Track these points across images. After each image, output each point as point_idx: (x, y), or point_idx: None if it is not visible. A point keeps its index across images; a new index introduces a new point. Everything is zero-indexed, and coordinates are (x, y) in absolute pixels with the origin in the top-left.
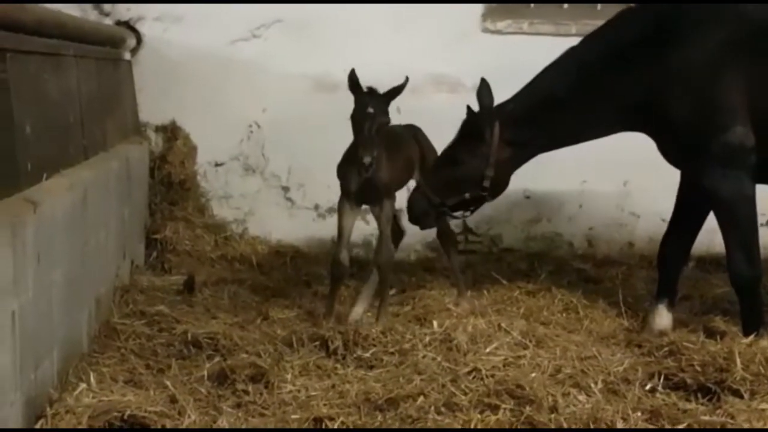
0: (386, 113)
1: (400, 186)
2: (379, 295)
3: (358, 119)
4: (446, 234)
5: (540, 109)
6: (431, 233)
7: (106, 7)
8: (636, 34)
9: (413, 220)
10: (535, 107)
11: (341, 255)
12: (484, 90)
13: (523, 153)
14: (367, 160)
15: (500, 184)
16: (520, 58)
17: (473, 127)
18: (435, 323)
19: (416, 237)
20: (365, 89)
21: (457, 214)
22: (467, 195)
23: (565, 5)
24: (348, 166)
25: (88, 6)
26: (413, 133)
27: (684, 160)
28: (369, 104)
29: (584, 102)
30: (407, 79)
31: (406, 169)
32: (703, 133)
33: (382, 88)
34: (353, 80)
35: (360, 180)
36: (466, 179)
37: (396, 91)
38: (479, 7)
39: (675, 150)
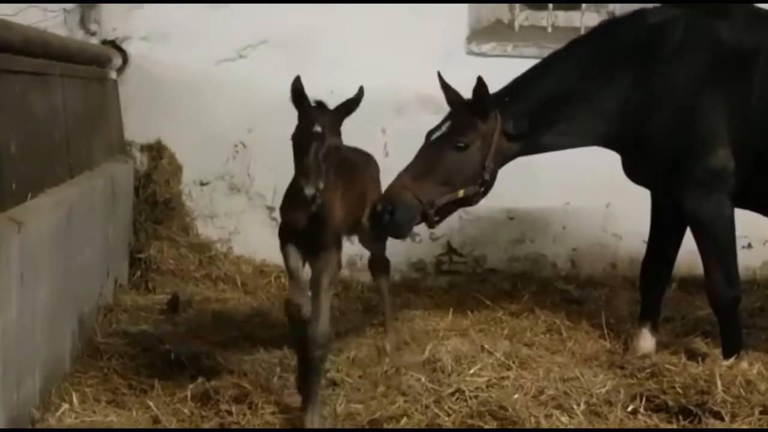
0: (338, 134)
1: (349, 231)
2: (307, 382)
3: (300, 140)
4: (381, 261)
5: (536, 102)
6: (417, 253)
7: (93, 26)
8: (622, 45)
9: (395, 225)
10: (531, 100)
11: (296, 298)
12: (482, 88)
13: (513, 149)
14: (309, 191)
15: (492, 181)
16: (504, 80)
17: (481, 104)
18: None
19: (401, 257)
20: (312, 102)
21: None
22: (461, 192)
23: (550, 29)
24: (290, 200)
25: (75, 25)
26: (367, 161)
27: (662, 182)
28: (316, 121)
29: (573, 104)
30: (362, 90)
31: (358, 207)
32: (685, 157)
33: (365, 108)
34: (297, 90)
35: (305, 218)
36: (464, 170)
37: (350, 106)
38: (464, 30)
39: (651, 171)
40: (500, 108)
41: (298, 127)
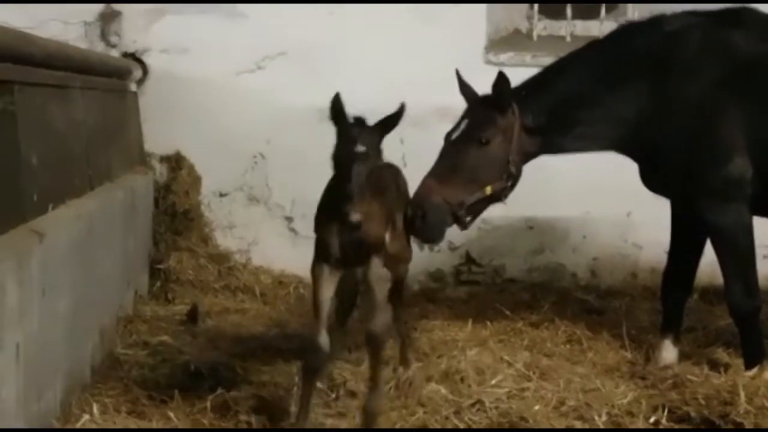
0: (379, 152)
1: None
2: (372, 379)
3: (343, 161)
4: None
5: (553, 100)
6: (435, 263)
7: (113, 39)
8: (639, 51)
9: (428, 229)
10: (548, 96)
11: (320, 338)
12: (503, 81)
13: (534, 144)
14: (355, 217)
15: (519, 174)
16: None
17: (500, 98)
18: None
19: (419, 267)
20: (352, 119)
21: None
22: (488, 189)
23: (568, 38)
24: (328, 219)
25: (95, 38)
26: (395, 174)
27: (679, 191)
28: (358, 141)
29: (589, 106)
30: (403, 106)
31: (389, 219)
32: (702, 166)
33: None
34: (337, 107)
35: (344, 239)
36: (489, 166)
37: (392, 122)
38: (482, 40)
39: (668, 180)
40: (518, 102)
41: (338, 147)
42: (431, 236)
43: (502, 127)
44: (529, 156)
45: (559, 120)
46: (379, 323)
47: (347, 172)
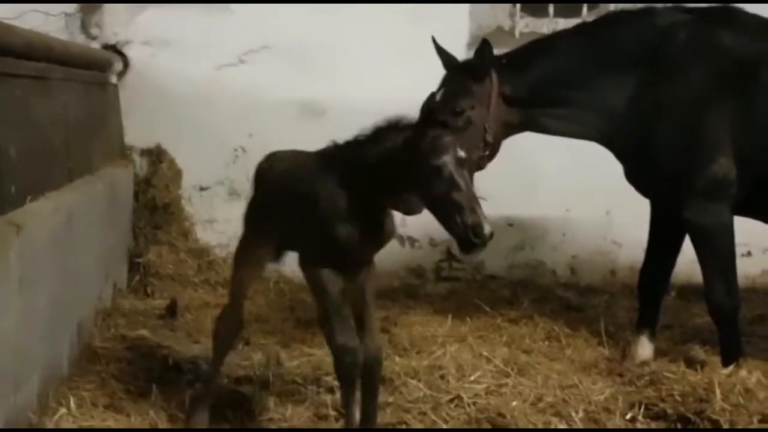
0: None
1: None
2: (369, 410)
3: (452, 170)
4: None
5: (535, 74)
6: (416, 258)
7: (94, 30)
8: (628, 42)
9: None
10: (530, 69)
11: (352, 342)
12: (486, 48)
13: (513, 116)
14: (488, 229)
15: (496, 145)
16: None
17: (482, 63)
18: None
19: (400, 263)
20: (437, 122)
21: None
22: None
23: None
24: (350, 224)
25: (76, 29)
26: None
27: (662, 190)
28: (459, 146)
29: (572, 89)
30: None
31: None
32: (687, 165)
33: (371, 113)
34: (432, 110)
35: (362, 247)
36: (465, 135)
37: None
38: (465, 37)
39: (652, 178)
40: (498, 70)
41: (436, 154)
42: (410, 208)
43: (478, 96)
44: (510, 128)
45: (541, 95)
46: (379, 343)
47: (459, 182)
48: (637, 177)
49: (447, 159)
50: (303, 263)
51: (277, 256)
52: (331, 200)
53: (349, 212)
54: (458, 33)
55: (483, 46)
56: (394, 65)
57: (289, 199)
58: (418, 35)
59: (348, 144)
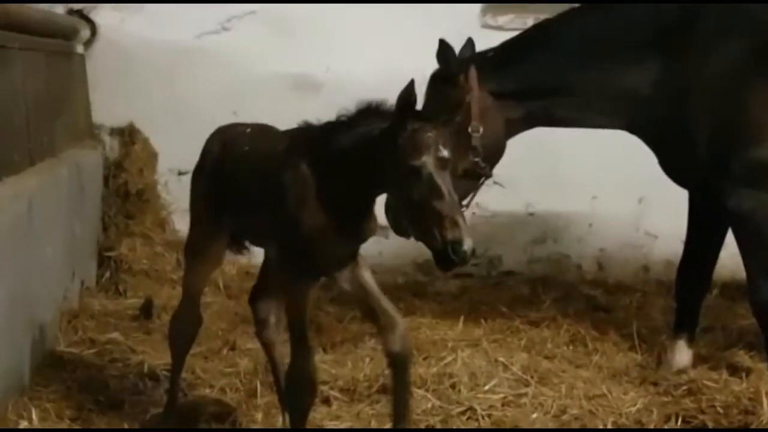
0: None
1: None
2: (403, 411)
3: (430, 173)
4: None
5: (529, 52)
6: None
7: None
8: (648, 20)
9: (395, 224)
10: (527, 56)
11: (313, 373)
12: (445, 49)
13: (511, 109)
14: (469, 245)
15: (494, 147)
16: None
17: (447, 67)
18: None
19: (405, 257)
20: (417, 112)
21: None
22: (458, 170)
23: None
24: (324, 216)
25: None
26: None
27: (701, 177)
28: (441, 144)
29: (585, 76)
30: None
31: None
32: (726, 150)
33: (370, 91)
34: (410, 99)
35: (345, 249)
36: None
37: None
38: (479, 2)
39: (689, 165)
40: (481, 66)
41: (414, 152)
42: (397, 228)
43: (453, 100)
44: (514, 124)
45: (541, 85)
46: (406, 338)
47: (434, 188)
48: (672, 166)
49: (427, 159)
50: (277, 266)
51: (237, 248)
52: (302, 189)
53: (321, 203)
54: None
55: (440, 48)
56: (401, 35)
57: (251, 187)
58: (425, 5)
59: (322, 126)
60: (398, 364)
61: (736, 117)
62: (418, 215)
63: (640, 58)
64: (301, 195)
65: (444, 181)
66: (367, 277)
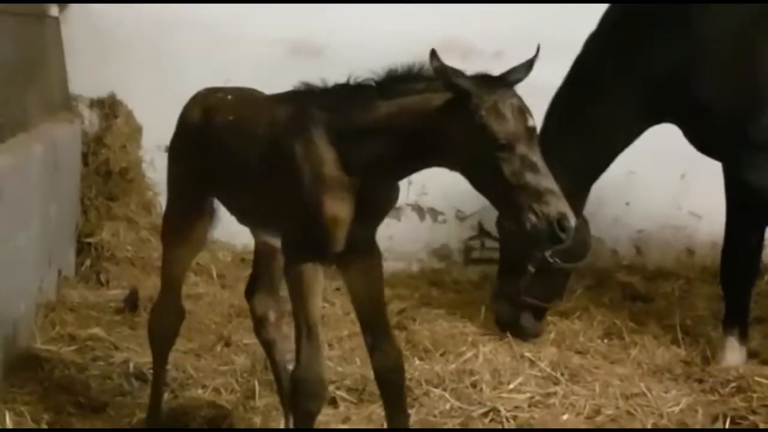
0: None
1: None
2: (394, 417)
3: (513, 146)
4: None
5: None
6: (439, 236)
7: None
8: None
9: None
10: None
11: (321, 373)
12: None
13: None
14: (574, 220)
15: None
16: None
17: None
18: None
19: (420, 242)
20: (493, 78)
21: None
22: None
23: None
24: (341, 195)
25: None
26: None
27: (720, 150)
28: (526, 111)
29: (603, 83)
30: (539, 48)
31: None
32: (742, 116)
33: (378, 58)
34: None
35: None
36: None
37: (521, 74)
38: None
39: (708, 137)
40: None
41: (503, 124)
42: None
43: None
44: None
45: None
46: (399, 347)
47: (531, 158)
48: (693, 137)
49: (518, 131)
50: (285, 254)
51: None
52: (318, 164)
53: (342, 181)
54: None
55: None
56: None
57: (244, 160)
58: None
59: (337, 90)
60: (389, 384)
61: (752, 80)
62: (512, 194)
63: (650, 37)
64: (317, 171)
65: (537, 153)
66: (377, 281)
